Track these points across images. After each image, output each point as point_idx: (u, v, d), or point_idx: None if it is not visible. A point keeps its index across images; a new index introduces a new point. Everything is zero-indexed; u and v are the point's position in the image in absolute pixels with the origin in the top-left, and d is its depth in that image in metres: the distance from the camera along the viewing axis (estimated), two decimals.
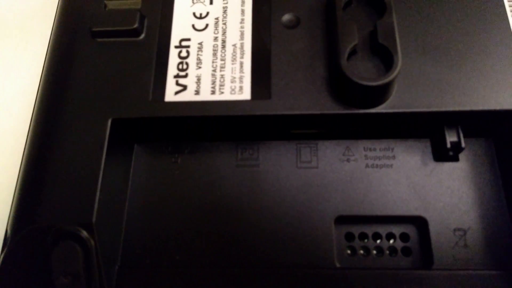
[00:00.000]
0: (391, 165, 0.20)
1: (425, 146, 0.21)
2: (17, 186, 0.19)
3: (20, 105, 0.26)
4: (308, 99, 0.19)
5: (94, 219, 0.18)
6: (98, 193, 0.18)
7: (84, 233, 0.18)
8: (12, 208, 0.19)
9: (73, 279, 0.17)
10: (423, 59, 0.19)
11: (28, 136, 0.20)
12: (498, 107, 0.19)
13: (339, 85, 0.19)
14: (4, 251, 0.19)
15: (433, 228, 0.19)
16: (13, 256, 0.18)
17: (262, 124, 0.20)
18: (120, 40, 0.21)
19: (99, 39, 0.21)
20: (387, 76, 0.17)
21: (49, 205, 0.18)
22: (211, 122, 0.19)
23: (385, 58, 0.18)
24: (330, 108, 0.19)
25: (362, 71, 0.18)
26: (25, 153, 0.20)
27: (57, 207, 0.18)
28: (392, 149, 0.21)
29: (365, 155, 0.21)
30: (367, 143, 0.21)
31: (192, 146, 0.21)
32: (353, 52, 0.19)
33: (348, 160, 0.21)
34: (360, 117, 0.19)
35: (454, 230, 0.19)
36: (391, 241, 0.20)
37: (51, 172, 0.19)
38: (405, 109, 0.19)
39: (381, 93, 0.18)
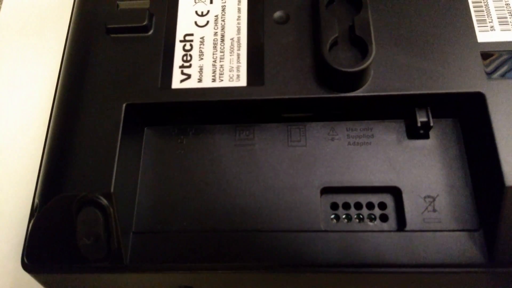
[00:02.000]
0: (370, 143, 0.23)
1: (400, 126, 0.23)
2: (43, 163, 0.22)
3: (40, 95, 0.28)
4: (297, 85, 0.22)
5: (112, 189, 0.20)
6: (115, 167, 0.21)
7: (104, 201, 0.20)
8: (40, 182, 0.22)
9: (94, 240, 0.20)
10: (396, 48, 0.22)
11: (51, 120, 0.23)
12: (461, 89, 0.21)
13: (323, 72, 0.21)
14: (34, 218, 0.21)
15: (406, 196, 0.22)
16: (42, 222, 0.21)
17: (256, 108, 0.23)
18: (131, 36, 0.24)
19: (112, 35, 0.24)
20: (362, 63, 0.20)
21: (73, 177, 0.21)
22: (212, 106, 0.22)
23: (361, 48, 0.21)
24: (316, 92, 0.22)
25: (342, 60, 0.21)
26: (49, 135, 0.23)
27: (80, 179, 0.21)
28: (371, 129, 0.23)
29: (347, 135, 0.23)
30: (349, 124, 0.23)
31: (196, 128, 0.24)
32: (334, 44, 0.21)
33: (332, 139, 0.23)
34: (341, 100, 0.22)
35: (425, 197, 0.22)
36: (371, 210, 0.22)
37: (74, 150, 0.21)
38: (380, 93, 0.21)
39: (358, 78, 0.21)
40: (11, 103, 0.29)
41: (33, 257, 0.21)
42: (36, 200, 0.22)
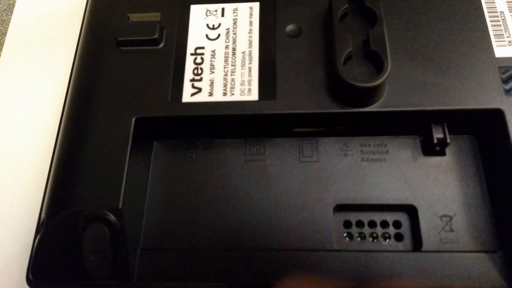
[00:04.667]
0: (384, 159, 0.22)
1: (415, 142, 0.23)
2: (51, 177, 0.22)
3: (48, 108, 0.28)
4: (309, 99, 0.21)
5: (120, 205, 0.20)
6: (124, 182, 0.20)
7: (112, 217, 0.20)
8: (47, 196, 0.22)
9: (101, 258, 0.20)
10: (412, 63, 0.22)
11: (60, 133, 0.23)
12: (479, 106, 0.21)
13: (336, 87, 0.21)
14: (40, 234, 0.21)
15: (422, 215, 0.21)
16: (48, 238, 0.21)
17: (268, 122, 0.22)
18: (142, 49, 0.23)
19: (123, 48, 0.24)
20: (378, 78, 0.20)
21: (80, 192, 0.21)
22: (223, 120, 0.22)
23: (376, 63, 0.21)
24: (329, 107, 0.21)
25: (356, 75, 0.21)
26: (57, 149, 0.23)
27: (87, 194, 0.20)
28: (385, 145, 0.23)
29: (361, 150, 0.23)
30: (363, 140, 0.23)
31: (205, 143, 0.24)
32: (348, 58, 0.21)
33: (345, 155, 0.23)
34: (355, 115, 0.21)
35: (441, 216, 0.21)
36: (385, 228, 0.22)
37: (82, 164, 0.21)
38: (395, 108, 0.21)
39: (373, 94, 0.21)
40: (20, 115, 0.28)
41: (38, 273, 0.21)
42: (43, 215, 0.21)
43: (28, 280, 0.21)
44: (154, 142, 0.24)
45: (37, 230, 0.22)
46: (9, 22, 0.32)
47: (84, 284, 0.21)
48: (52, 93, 0.29)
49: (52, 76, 0.30)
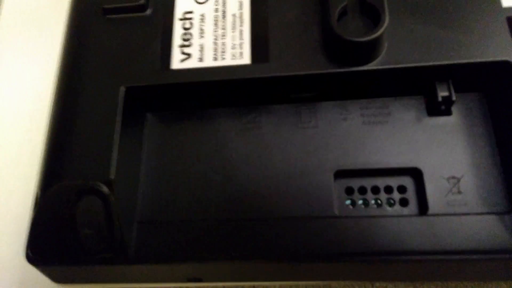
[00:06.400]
0: (387, 122, 0.21)
1: (419, 103, 0.21)
2: (44, 152, 0.21)
3: (43, 84, 0.28)
4: (304, 60, 0.20)
5: (112, 176, 0.19)
6: (115, 153, 0.20)
7: (104, 189, 0.19)
8: (40, 171, 0.21)
9: (96, 231, 0.19)
10: (413, 18, 0.20)
11: (52, 109, 0.22)
12: (485, 58, 0.19)
13: (332, 45, 0.20)
14: (35, 209, 0.21)
15: (427, 178, 0.20)
16: (43, 213, 0.20)
17: (262, 87, 0.21)
18: (129, 16, 0.23)
19: (109, 16, 0.23)
20: (374, 32, 0.18)
21: (71, 165, 0.20)
22: (214, 86, 0.21)
23: (373, 17, 0.19)
24: (325, 67, 0.20)
25: (352, 30, 0.19)
26: (49, 124, 0.22)
27: (79, 167, 0.20)
28: (387, 107, 0.22)
29: (362, 114, 0.22)
30: (363, 103, 0.22)
31: (200, 113, 0.23)
32: (343, 13, 0.20)
33: (345, 119, 0.22)
34: (353, 75, 0.20)
35: (448, 178, 0.20)
36: (390, 194, 0.21)
37: (72, 136, 0.21)
38: (396, 65, 0.20)
39: (370, 49, 0.19)
40: (14, 94, 0.28)
41: (37, 249, 0.21)
42: (37, 190, 0.21)
43: (28, 256, 0.21)
44: (148, 114, 0.23)
45: (34, 207, 0.21)
46: None
47: (81, 259, 0.20)
48: (46, 69, 0.28)
49: (45, 53, 0.29)
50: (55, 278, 0.22)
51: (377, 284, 0.23)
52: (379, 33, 0.18)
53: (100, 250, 0.20)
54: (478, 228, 0.19)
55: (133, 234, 0.21)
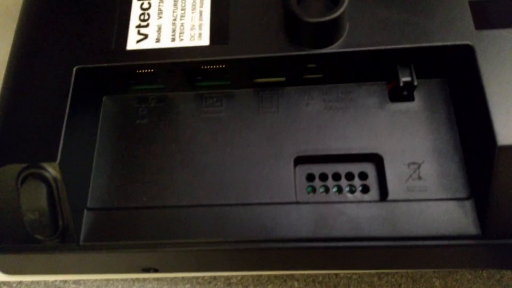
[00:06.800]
0: (349, 107, 0.21)
1: (381, 89, 0.21)
2: None
3: None
4: (264, 42, 0.20)
5: (58, 160, 0.18)
6: (62, 136, 0.19)
7: (49, 173, 0.18)
8: None
9: (39, 216, 0.18)
10: (375, 2, 0.20)
11: (1, 88, 0.21)
12: (447, 42, 0.19)
13: (291, 26, 0.19)
14: None
15: (388, 163, 0.20)
16: None
17: (219, 69, 0.20)
18: None
19: None
20: (333, 12, 0.18)
21: (19, 147, 0.19)
22: (170, 68, 0.20)
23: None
24: (285, 49, 0.19)
25: (312, 11, 0.19)
26: None
27: (25, 149, 0.19)
28: (350, 92, 0.21)
29: (324, 99, 0.21)
30: (326, 88, 0.21)
31: (158, 97, 0.22)
32: None
33: (307, 105, 0.21)
34: (313, 57, 0.19)
35: (409, 164, 0.20)
36: (351, 180, 0.20)
37: (20, 117, 0.20)
38: (357, 48, 0.19)
39: (330, 31, 0.19)
40: None
41: None
42: None
43: None
44: (104, 97, 0.22)
45: None
46: None
47: (27, 246, 0.19)
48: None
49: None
50: (1, 268, 0.21)
51: (342, 274, 0.22)
52: (338, 13, 0.18)
53: (46, 237, 0.19)
54: (438, 214, 0.19)
55: (84, 221, 0.20)
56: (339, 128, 0.21)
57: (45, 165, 0.18)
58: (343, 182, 0.20)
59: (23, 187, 0.18)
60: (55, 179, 0.18)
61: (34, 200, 0.18)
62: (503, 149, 0.17)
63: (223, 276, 0.22)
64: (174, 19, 0.21)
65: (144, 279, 0.22)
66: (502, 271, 0.22)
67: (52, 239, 0.19)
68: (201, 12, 0.21)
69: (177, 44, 0.20)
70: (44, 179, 0.18)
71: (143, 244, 0.19)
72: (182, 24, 0.21)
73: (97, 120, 0.22)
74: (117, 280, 0.22)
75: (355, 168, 0.20)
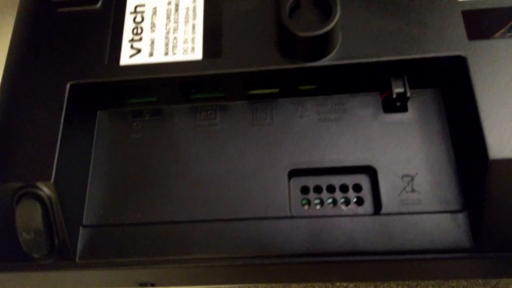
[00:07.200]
0: (342, 119, 0.21)
1: (375, 100, 0.21)
2: None
3: None
4: (257, 55, 0.20)
5: (53, 179, 0.18)
6: (57, 154, 0.19)
7: (44, 192, 0.18)
8: None
9: (35, 235, 0.18)
10: (367, 12, 0.20)
11: None
12: (440, 53, 0.19)
13: (284, 40, 0.19)
14: None
15: (381, 176, 0.20)
16: None
17: (213, 83, 0.20)
18: (79, 10, 0.22)
19: (60, 9, 0.22)
20: (325, 26, 0.18)
21: (13, 166, 0.19)
22: (163, 83, 0.20)
23: (326, 10, 0.19)
24: (278, 63, 0.19)
25: (304, 25, 0.19)
26: None
27: (20, 168, 0.19)
28: (343, 104, 0.21)
29: (318, 111, 0.21)
30: (320, 100, 0.21)
31: (152, 110, 0.22)
32: (296, 7, 0.19)
33: (301, 116, 0.21)
34: (306, 71, 0.19)
35: (402, 176, 0.20)
36: (345, 193, 0.20)
37: (14, 135, 0.20)
38: (350, 60, 0.19)
39: (323, 44, 0.19)
40: None
41: None
42: None
43: None
44: (98, 112, 0.22)
45: None
46: None
47: (22, 265, 0.19)
48: None
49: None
50: None
51: (337, 284, 0.23)
52: (330, 27, 0.18)
53: (41, 255, 0.19)
54: (432, 226, 0.19)
55: (80, 238, 0.20)
56: (333, 140, 0.21)
57: (40, 184, 0.18)
58: (338, 195, 0.20)
59: (18, 207, 0.18)
60: (50, 198, 0.18)
61: (29, 221, 0.18)
62: (495, 162, 0.17)
63: None
64: (167, 33, 0.21)
65: None
66: None
67: (48, 257, 0.19)
68: (194, 25, 0.21)
69: (170, 58, 0.20)
70: (39, 199, 0.18)
71: (139, 261, 0.19)
72: (175, 38, 0.20)
73: (92, 135, 0.22)
74: None
75: (349, 180, 0.20)
